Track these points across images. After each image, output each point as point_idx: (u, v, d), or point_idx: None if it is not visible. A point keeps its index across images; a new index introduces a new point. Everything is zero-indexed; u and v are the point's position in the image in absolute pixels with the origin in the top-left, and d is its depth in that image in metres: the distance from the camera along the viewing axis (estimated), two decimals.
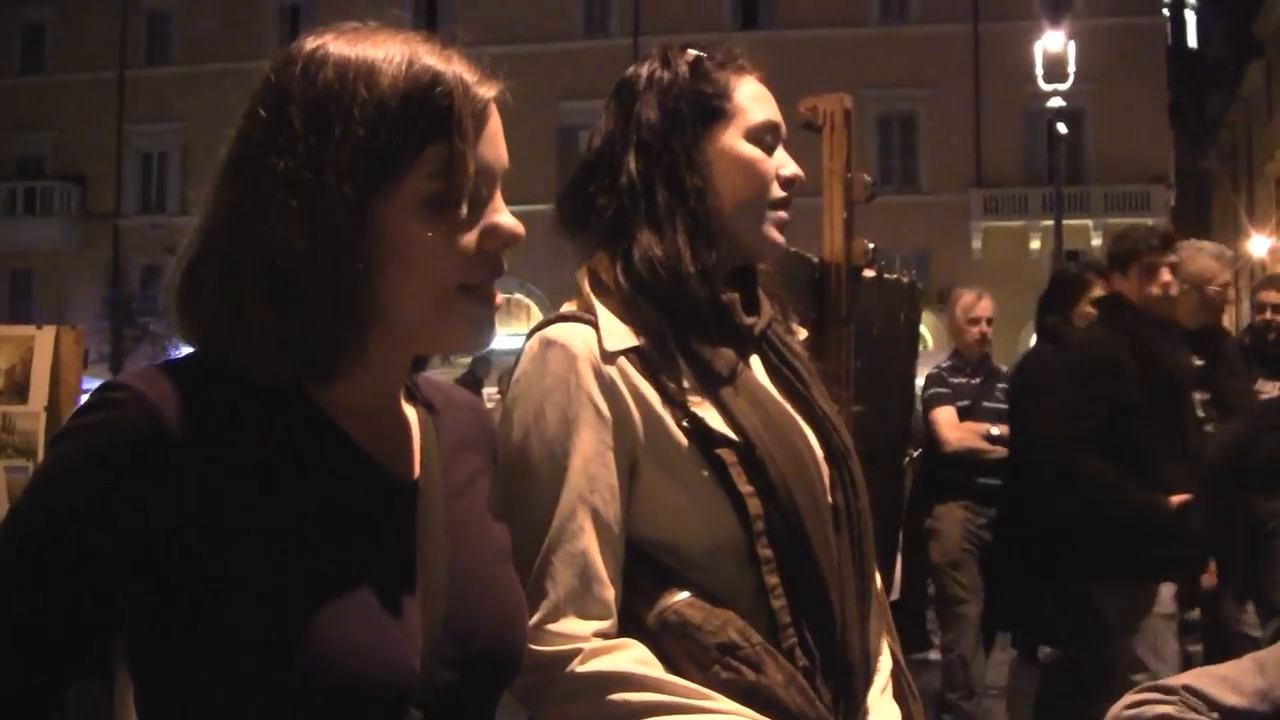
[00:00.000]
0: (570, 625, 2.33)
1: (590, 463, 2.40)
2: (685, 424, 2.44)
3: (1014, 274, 51.38)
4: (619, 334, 2.47)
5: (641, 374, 2.45)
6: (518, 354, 2.53)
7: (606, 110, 2.67)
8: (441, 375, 2.08)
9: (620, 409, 2.43)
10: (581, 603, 2.34)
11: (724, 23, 53.35)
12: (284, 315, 1.70)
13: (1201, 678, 2.91)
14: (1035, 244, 53.18)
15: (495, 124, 1.86)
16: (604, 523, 2.40)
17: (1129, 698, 2.93)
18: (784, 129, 2.70)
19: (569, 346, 2.44)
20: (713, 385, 2.48)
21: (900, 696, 2.71)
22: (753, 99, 2.65)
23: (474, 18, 49.86)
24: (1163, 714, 2.86)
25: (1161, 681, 2.92)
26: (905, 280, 4.50)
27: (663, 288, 2.48)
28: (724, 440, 2.44)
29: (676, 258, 2.49)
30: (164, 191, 58.22)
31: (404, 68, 1.76)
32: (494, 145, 1.85)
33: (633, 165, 2.56)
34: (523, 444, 2.43)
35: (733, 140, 2.61)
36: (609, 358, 2.44)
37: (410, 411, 1.97)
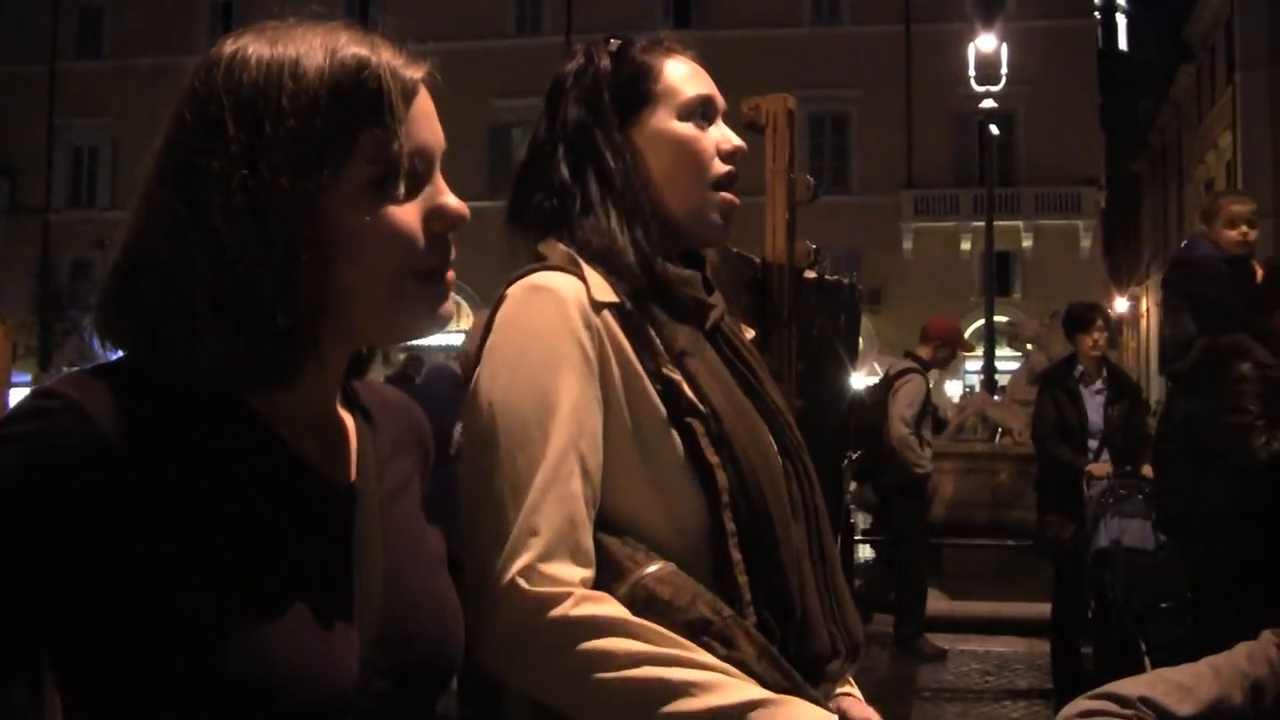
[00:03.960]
0: (563, 569, 2.24)
1: (578, 408, 2.34)
2: (659, 387, 2.41)
3: (944, 275, 51.85)
4: (604, 287, 2.43)
5: (622, 331, 2.42)
6: (496, 302, 2.47)
7: (541, 113, 2.66)
8: (371, 374, 2.03)
9: (604, 362, 2.38)
10: (572, 548, 2.27)
11: (657, 21, 53.40)
12: (239, 321, 1.66)
13: (1158, 685, 2.88)
14: (966, 245, 53.63)
15: (426, 103, 1.82)
16: (588, 470, 2.33)
17: (1080, 704, 2.90)
18: (721, 103, 2.68)
19: (558, 291, 2.39)
20: (678, 356, 2.46)
21: None
22: (682, 77, 2.63)
23: (406, 15, 49.72)
24: None
25: (1114, 689, 2.88)
26: (846, 282, 4.50)
27: (610, 267, 2.46)
28: (693, 409, 2.41)
29: (613, 241, 2.48)
30: (94, 186, 58.11)
31: (329, 56, 1.73)
32: (428, 124, 1.82)
33: (563, 164, 2.55)
34: (508, 385, 2.35)
35: (663, 121, 2.59)
36: (597, 308, 2.40)
37: (345, 414, 1.93)
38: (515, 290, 2.44)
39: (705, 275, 2.64)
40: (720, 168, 2.61)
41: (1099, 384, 10.20)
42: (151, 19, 55.12)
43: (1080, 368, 10.29)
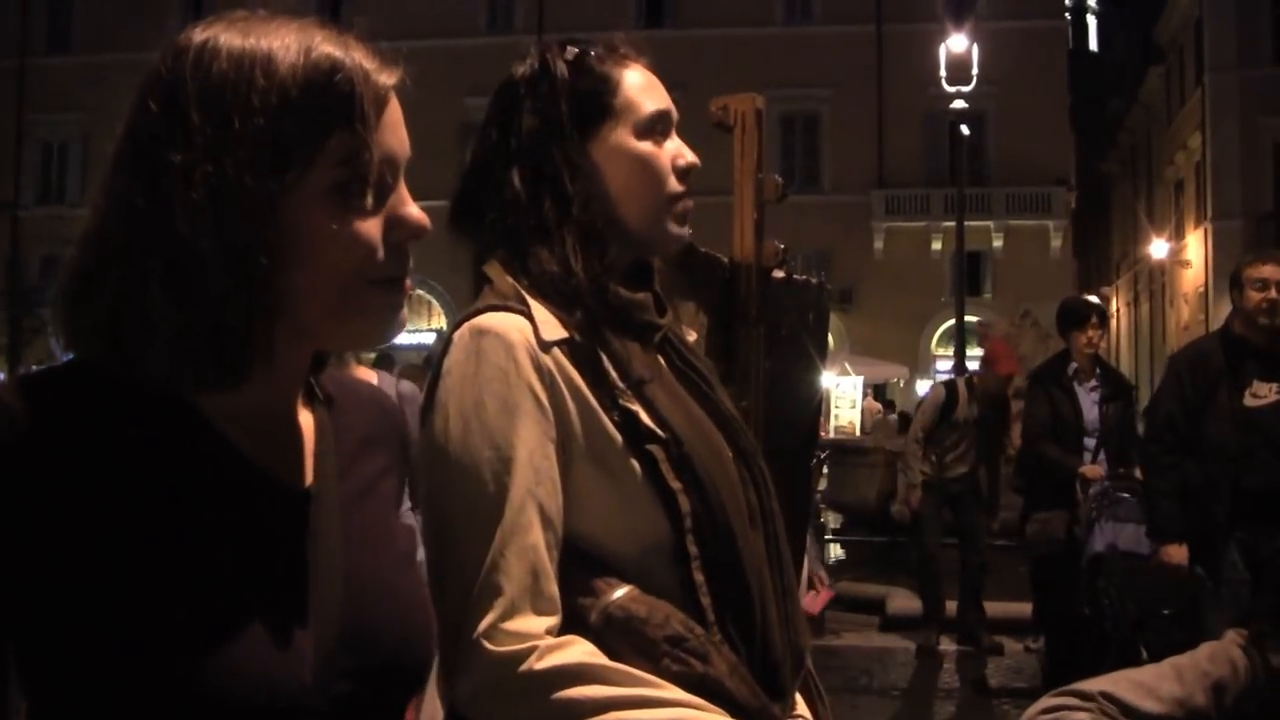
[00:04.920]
0: (526, 623, 2.24)
1: (534, 455, 2.33)
2: (616, 418, 2.39)
3: (915, 275, 51.94)
4: (552, 324, 2.41)
5: (573, 366, 2.40)
6: (442, 344, 2.46)
7: (487, 115, 2.60)
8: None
9: (557, 400, 2.37)
10: (535, 599, 2.27)
11: (628, 20, 53.47)
12: (191, 316, 1.63)
13: (1120, 683, 2.90)
14: (936, 245, 53.74)
15: (396, 112, 1.79)
16: (548, 517, 2.33)
17: (1045, 701, 2.92)
18: (675, 115, 2.64)
19: (505, 335, 2.36)
20: (635, 382, 2.44)
21: (809, 697, 2.68)
22: (640, 90, 2.58)
23: (377, 11, 49.78)
24: None
25: (1078, 686, 2.90)
26: (814, 281, 4.50)
27: (562, 299, 2.43)
28: (653, 436, 2.40)
29: (568, 270, 2.44)
30: (64, 182, 57.88)
31: (302, 55, 1.69)
32: (396, 133, 1.79)
33: (516, 179, 2.50)
34: (462, 436, 2.34)
35: (622, 138, 2.55)
36: (545, 347, 2.38)
37: (306, 413, 1.90)
38: (462, 335, 2.41)
39: (656, 290, 2.62)
40: (676, 186, 2.59)
41: (1093, 382, 10.03)
42: (122, 14, 54.79)
43: (1074, 365, 10.07)
